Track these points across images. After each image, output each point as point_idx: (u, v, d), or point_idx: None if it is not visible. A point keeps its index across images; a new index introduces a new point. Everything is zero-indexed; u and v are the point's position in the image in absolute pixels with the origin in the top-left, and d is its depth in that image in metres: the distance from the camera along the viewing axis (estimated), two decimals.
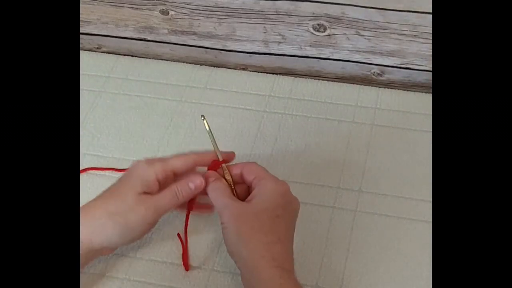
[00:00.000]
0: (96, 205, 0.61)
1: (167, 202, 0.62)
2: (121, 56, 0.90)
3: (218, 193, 0.62)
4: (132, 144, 0.78)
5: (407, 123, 0.78)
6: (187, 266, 0.66)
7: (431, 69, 0.82)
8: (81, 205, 0.60)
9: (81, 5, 0.87)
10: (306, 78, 0.86)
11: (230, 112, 0.81)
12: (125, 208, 0.60)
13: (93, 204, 0.61)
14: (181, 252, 0.67)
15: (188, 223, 0.66)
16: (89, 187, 0.73)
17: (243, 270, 0.59)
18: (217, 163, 0.65)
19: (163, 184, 0.63)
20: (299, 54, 0.86)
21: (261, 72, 0.87)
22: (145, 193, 0.61)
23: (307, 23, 0.81)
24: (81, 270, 0.63)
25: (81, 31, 0.91)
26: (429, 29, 0.78)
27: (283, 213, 0.60)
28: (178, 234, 0.69)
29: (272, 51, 0.87)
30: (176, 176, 0.64)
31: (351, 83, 0.85)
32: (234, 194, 0.63)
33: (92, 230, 0.60)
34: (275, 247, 0.58)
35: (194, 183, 0.62)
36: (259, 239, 0.58)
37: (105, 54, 0.91)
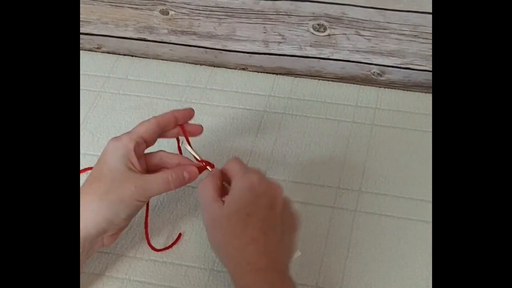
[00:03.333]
0: (84, 191, 0.61)
1: (158, 186, 0.62)
2: (121, 56, 0.90)
3: (202, 191, 0.61)
4: None
5: (407, 123, 0.78)
6: (151, 246, 0.67)
7: (431, 69, 0.82)
8: None
9: (81, 5, 0.87)
10: (306, 78, 0.87)
11: (230, 112, 0.81)
12: (114, 186, 0.60)
13: (81, 191, 0.61)
14: (174, 247, 0.68)
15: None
16: None
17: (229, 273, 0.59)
18: (202, 167, 0.65)
19: (139, 155, 0.63)
20: (299, 54, 0.86)
21: (261, 72, 0.87)
22: (129, 169, 0.61)
23: (307, 23, 0.81)
24: (83, 262, 0.63)
25: (81, 31, 0.91)
26: (429, 29, 0.78)
27: (253, 210, 0.58)
28: (180, 235, 0.69)
29: (272, 51, 0.87)
30: (148, 144, 0.65)
31: (351, 83, 0.85)
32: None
33: (86, 217, 0.59)
34: (248, 249, 0.57)
35: (188, 173, 0.63)
36: (232, 244, 0.57)
37: (105, 54, 0.91)
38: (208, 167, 0.65)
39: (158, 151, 0.67)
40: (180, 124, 0.66)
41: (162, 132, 0.66)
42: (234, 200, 0.59)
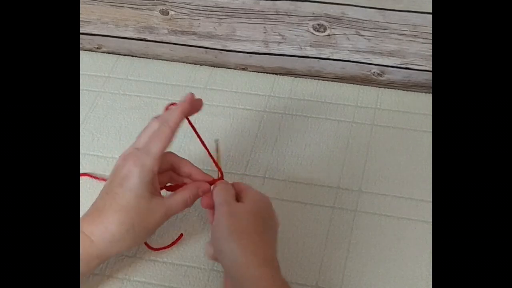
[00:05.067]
0: (110, 221, 0.60)
1: (178, 207, 0.64)
2: (121, 56, 0.90)
3: (220, 191, 0.64)
4: None
5: (407, 123, 0.78)
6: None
7: (431, 69, 0.82)
8: (90, 216, 0.61)
9: (81, 5, 0.87)
10: (306, 78, 0.87)
11: (230, 112, 0.81)
12: (141, 218, 0.61)
13: (106, 219, 0.61)
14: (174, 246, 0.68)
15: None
16: (89, 187, 0.73)
17: (231, 268, 0.59)
18: (215, 180, 0.66)
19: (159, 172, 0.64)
20: (299, 54, 0.86)
21: (261, 72, 0.87)
22: (153, 195, 0.62)
23: (307, 23, 0.81)
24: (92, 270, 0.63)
25: (81, 31, 0.91)
26: (429, 29, 0.78)
27: (269, 221, 0.63)
28: (181, 235, 0.69)
29: (272, 51, 0.87)
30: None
31: (351, 83, 0.85)
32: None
33: (111, 247, 0.61)
34: (265, 247, 0.59)
35: (202, 190, 0.65)
36: (251, 238, 0.59)
37: (105, 54, 0.91)
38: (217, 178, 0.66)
39: (167, 152, 0.64)
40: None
41: None
42: (254, 202, 0.63)
